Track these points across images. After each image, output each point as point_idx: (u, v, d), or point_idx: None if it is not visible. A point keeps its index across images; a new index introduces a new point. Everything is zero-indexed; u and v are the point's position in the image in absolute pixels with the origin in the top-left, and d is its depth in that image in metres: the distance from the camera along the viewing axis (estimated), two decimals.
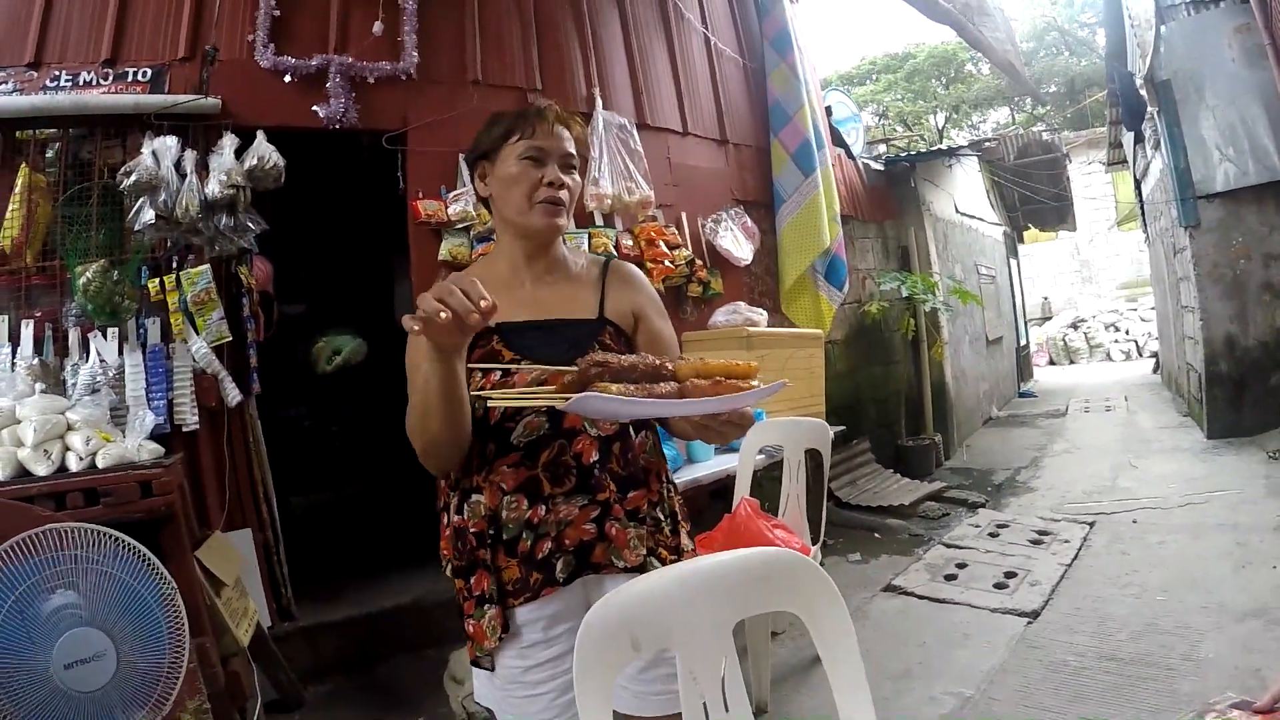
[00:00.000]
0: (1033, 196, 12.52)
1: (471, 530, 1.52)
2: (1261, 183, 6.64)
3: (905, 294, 7.04)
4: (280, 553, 3.64)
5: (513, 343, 1.55)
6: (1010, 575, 4.25)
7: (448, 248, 3.86)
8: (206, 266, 3.32)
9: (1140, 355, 16.29)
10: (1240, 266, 6.82)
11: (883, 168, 8.02)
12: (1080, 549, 4.60)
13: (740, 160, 5.62)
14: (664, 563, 1.54)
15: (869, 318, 6.90)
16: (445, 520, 1.60)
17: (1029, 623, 3.66)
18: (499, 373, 1.52)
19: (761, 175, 5.76)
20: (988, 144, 10.55)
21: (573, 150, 1.63)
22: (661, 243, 4.53)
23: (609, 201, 4.30)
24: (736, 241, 5.15)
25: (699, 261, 4.84)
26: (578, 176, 1.65)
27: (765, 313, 4.75)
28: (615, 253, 4.33)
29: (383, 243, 4.92)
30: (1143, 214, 11.43)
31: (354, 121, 3.76)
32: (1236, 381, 6.88)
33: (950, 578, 4.35)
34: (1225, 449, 6.55)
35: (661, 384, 1.26)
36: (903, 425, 7.39)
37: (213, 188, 3.20)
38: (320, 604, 3.83)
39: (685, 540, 1.66)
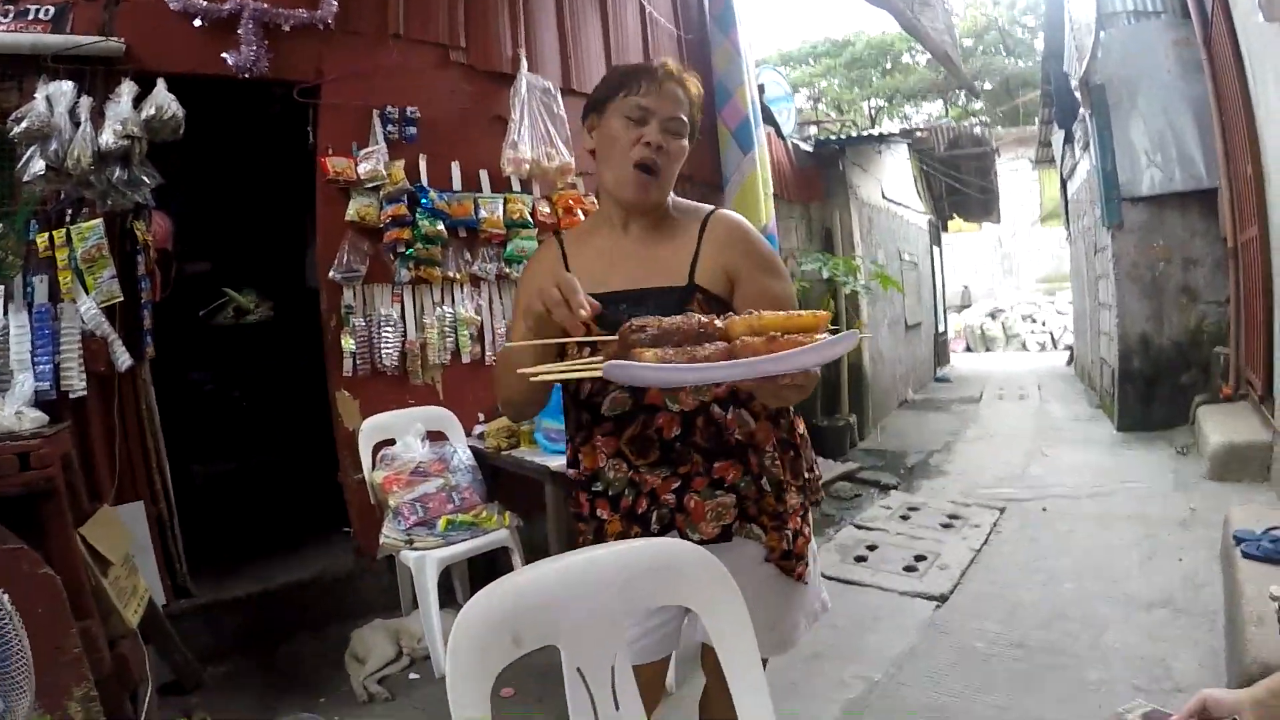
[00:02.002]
0: (960, 188, 12.75)
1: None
2: (1186, 190, 6.84)
3: (826, 276, 7.02)
4: (175, 526, 3.46)
5: (600, 314, 1.50)
6: (920, 558, 4.31)
7: (355, 208, 3.70)
8: (98, 221, 3.08)
9: (1055, 347, 16.72)
10: (1160, 268, 7.04)
11: (812, 149, 7.99)
12: (990, 534, 4.68)
13: None
14: (764, 530, 1.58)
15: None
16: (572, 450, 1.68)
17: (938, 607, 3.71)
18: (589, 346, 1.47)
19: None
20: (919, 133, 10.63)
21: (681, 115, 1.59)
22: (579, 211, 4.38)
23: (527, 167, 4.16)
24: None
25: None
26: (684, 142, 1.61)
27: None
28: (531, 220, 4.24)
29: (295, 202, 4.68)
30: (1066, 212, 11.70)
31: (265, 71, 3.53)
32: (1149, 378, 7.11)
33: (861, 559, 4.38)
34: (1135, 442, 6.75)
35: (707, 345, 1.12)
36: (818, 405, 7.41)
37: (107, 138, 2.96)
38: (219, 580, 3.66)
39: (794, 499, 1.61)
